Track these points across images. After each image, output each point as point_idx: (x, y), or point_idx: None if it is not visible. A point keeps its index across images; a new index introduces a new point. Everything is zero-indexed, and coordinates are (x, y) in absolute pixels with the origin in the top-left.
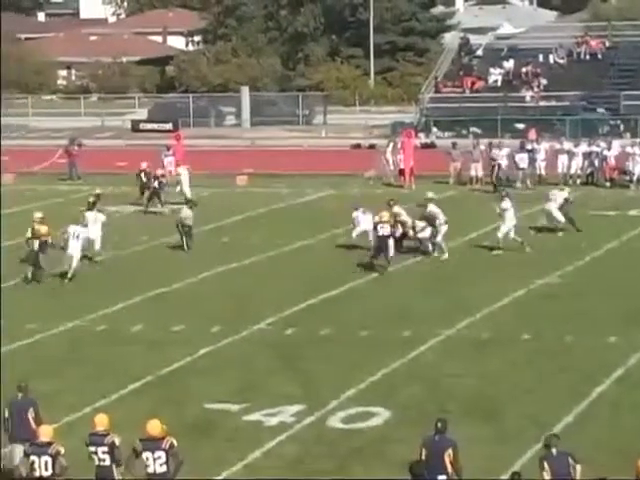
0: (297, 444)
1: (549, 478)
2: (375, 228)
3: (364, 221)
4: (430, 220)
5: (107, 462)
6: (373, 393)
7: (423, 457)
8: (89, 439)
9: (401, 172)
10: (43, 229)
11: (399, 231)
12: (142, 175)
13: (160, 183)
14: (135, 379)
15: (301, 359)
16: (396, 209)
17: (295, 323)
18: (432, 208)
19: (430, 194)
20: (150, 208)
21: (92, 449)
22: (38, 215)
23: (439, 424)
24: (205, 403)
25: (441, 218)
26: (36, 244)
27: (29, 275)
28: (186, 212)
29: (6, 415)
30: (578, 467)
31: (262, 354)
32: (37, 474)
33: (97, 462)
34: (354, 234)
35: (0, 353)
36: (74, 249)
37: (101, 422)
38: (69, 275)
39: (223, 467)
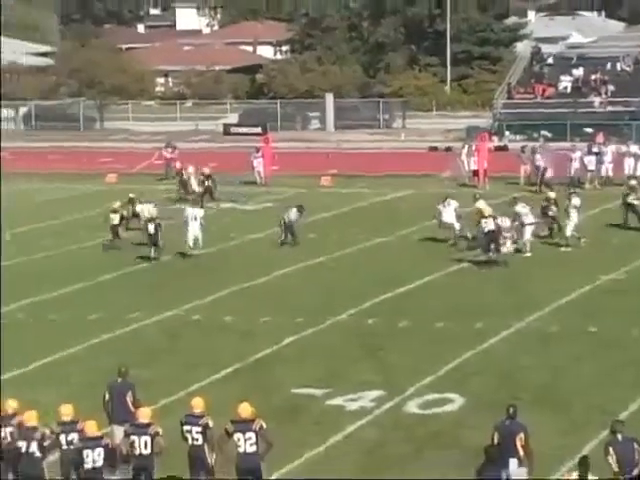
0: (376, 428)
1: (614, 462)
2: (479, 224)
3: (446, 213)
4: (514, 219)
5: (200, 441)
6: (448, 381)
7: (496, 441)
8: (185, 419)
9: (475, 173)
10: (152, 211)
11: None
12: (183, 175)
13: (212, 181)
14: (226, 366)
15: (380, 348)
16: (480, 204)
17: (375, 314)
18: (519, 208)
19: (516, 194)
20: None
21: (187, 428)
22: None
23: (510, 409)
24: (291, 389)
25: (525, 219)
26: (151, 227)
27: (153, 254)
28: (293, 212)
29: (106, 398)
30: None
31: (344, 343)
32: (137, 452)
33: (190, 441)
34: (439, 224)
35: (0, 350)
36: (194, 229)
37: (197, 404)
38: (194, 252)
39: (306, 449)
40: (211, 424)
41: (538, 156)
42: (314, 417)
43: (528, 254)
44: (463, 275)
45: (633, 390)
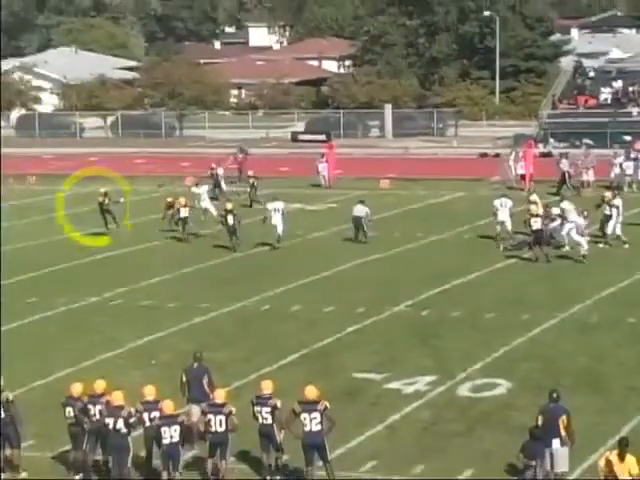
0: (430, 409)
1: None
2: (528, 223)
3: (501, 211)
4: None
5: (269, 421)
6: (497, 367)
7: (540, 423)
8: (255, 400)
9: (522, 177)
10: (229, 205)
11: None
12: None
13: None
14: (293, 352)
15: (434, 337)
16: (533, 197)
17: (429, 306)
18: (565, 205)
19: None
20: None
21: (257, 409)
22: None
23: (554, 394)
24: (352, 373)
25: (571, 217)
26: (230, 218)
27: (235, 245)
28: (359, 208)
29: (183, 380)
30: None
31: (401, 332)
32: (212, 430)
33: (260, 420)
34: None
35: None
36: (278, 221)
37: (267, 386)
38: (277, 244)
39: (366, 428)
40: (279, 405)
41: (564, 161)
42: (373, 399)
43: (567, 248)
44: (511, 270)
45: None
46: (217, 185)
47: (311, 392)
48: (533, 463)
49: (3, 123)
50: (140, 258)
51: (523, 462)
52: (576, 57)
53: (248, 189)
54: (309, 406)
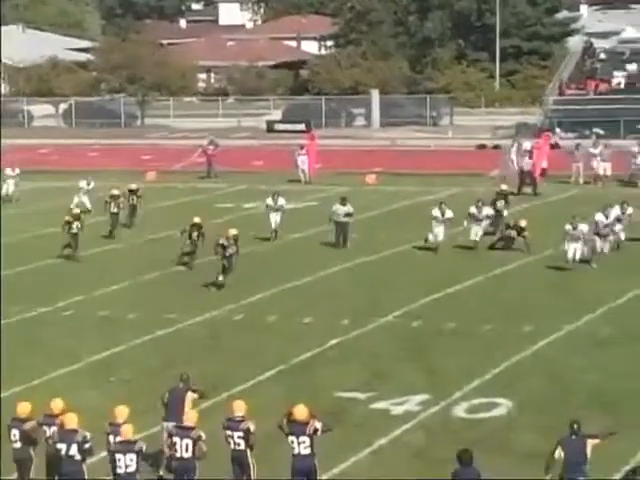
0: (422, 433)
1: None
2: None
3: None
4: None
5: (241, 446)
6: (496, 384)
7: (557, 456)
8: (226, 423)
9: (536, 172)
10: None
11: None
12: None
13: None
14: (269, 368)
15: (426, 351)
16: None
17: (421, 316)
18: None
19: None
20: None
21: (228, 433)
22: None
23: (575, 425)
24: (335, 391)
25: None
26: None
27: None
28: (341, 209)
29: (165, 401)
30: None
31: (389, 345)
32: (177, 455)
33: (232, 446)
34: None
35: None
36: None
37: (239, 408)
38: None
39: (350, 453)
40: (252, 428)
41: (576, 152)
42: (358, 420)
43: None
44: (511, 277)
45: None
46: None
47: (301, 412)
48: None
49: None
50: (97, 263)
51: None
52: (585, 37)
53: None
54: (298, 428)
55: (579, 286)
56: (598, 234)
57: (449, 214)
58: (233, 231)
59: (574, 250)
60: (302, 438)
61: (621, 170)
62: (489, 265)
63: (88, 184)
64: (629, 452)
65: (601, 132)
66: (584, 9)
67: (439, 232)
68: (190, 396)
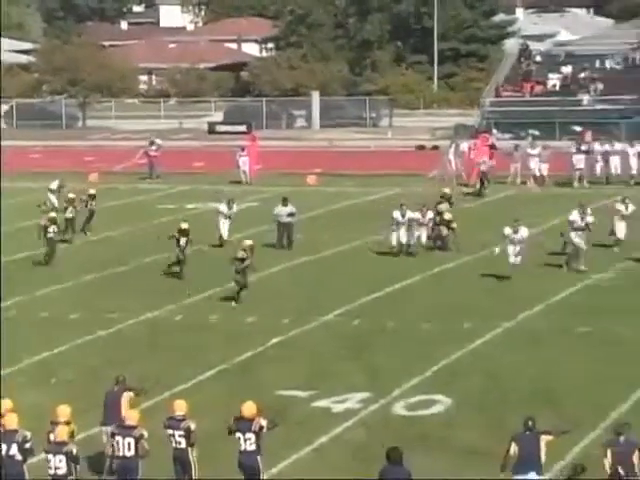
0: (363, 430)
1: (608, 465)
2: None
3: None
4: None
5: (183, 445)
6: (435, 382)
7: (512, 452)
8: (167, 422)
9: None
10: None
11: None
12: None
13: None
14: (211, 367)
15: (367, 349)
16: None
17: (361, 315)
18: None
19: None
20: None
21: (169, 432)
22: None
23: (529, 422)
24: (276, 390)
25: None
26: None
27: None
28: (283, 210)
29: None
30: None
31: (330, 344)
32: (120, 454)
33: (174, 444)
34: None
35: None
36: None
37: (180, 407)
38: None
39: (292, 450)
40: (193, 427)
41: (516, 154)
42: (299, 419)
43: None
44: (450, 275)
45: (624, 388)
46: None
47: (248, 409)
48: None
49: None
50: (39, 264)
51: None
52: (521, 39)
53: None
54: (244, 424)
55: (516, 284)
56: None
57: (410, 215)
58: (248, 242)
59: (515, 254)
60: (248, 435)
61: (557, 171)
62: (428, 265)
63: (57, 185)
64: (565, 448)
65: (537, 133)
66: (520, 12)
67: (401, 234)
68: (127, 395)
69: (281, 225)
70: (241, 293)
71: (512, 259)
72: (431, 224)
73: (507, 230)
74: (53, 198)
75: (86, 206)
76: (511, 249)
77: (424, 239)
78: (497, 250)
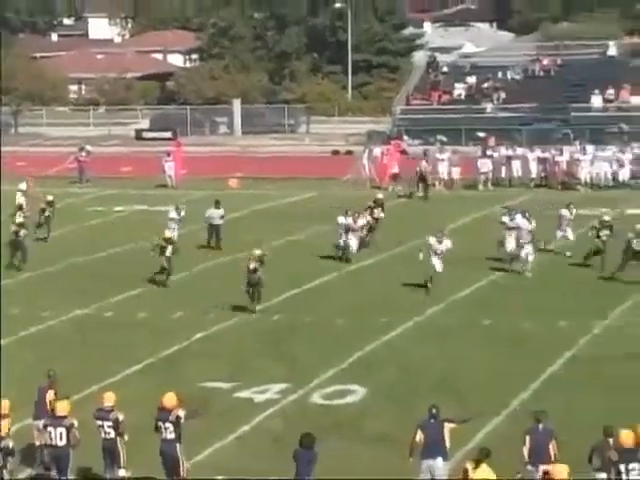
0: (282, 419)
1: (526, 452)
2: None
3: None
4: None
5: (112, 435)
6: (351, 373)
7: (418, 439)
8: (96, 414)
9: (392, 175)
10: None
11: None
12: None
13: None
14: (138, 361)
15: (286, 343)
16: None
17: (281, 311)
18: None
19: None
20: None
21: (99, 423)
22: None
23: (433, 409)
24: (200, 382)
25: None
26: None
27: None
28: (215, 212)
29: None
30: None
31: (251, 339)
32: (52, 443)
33: (103, 435)
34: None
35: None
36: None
37: (108, 399)
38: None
39: (215, 439)
40: (121, 418)
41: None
42: (222, 409)
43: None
44: (365, 273)
45: (524, 379)
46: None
47: (168, 400)
48: None
49: None
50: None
51: None
52: (429, 52)
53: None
54: (164, 414)
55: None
56: (525, 242)
57: (361, 222)
58: (257, 251)
59: (437, 264)
60: (167, 424)
61: (464, 174)
62: (345, 263)
63: (26, 186)
64: (469, 434)
65: (444, 139)
66: (428, 26)
67: (351, 242)
68: (49, 394)
69: (212, 227)
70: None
71: (438, 267)
72: (365, 231)
73: (432, 240)
74: (22, 199)
75: (43, 213)
76: (435, 259)
77: (355, 246)
78: (421, 256)
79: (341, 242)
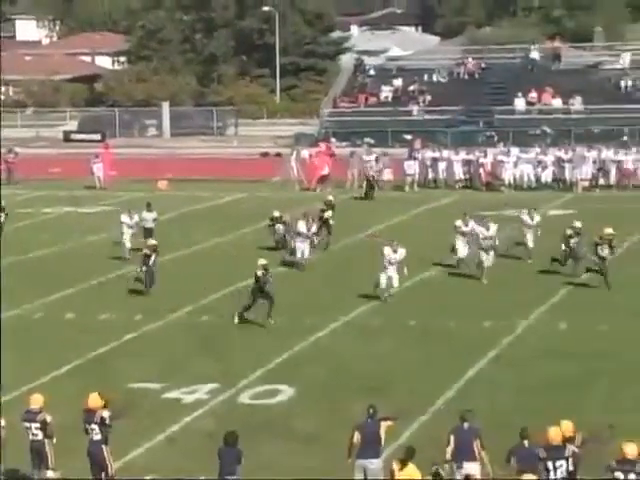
0: (211, 419)
1: (450, 450)
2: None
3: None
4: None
5: (39, 437)
6: (279, 373)
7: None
8: (24, 416)
9: (321, 177)
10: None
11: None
12: None
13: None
14: (66, 362)
15: (215, 343)
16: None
17: (210, 311)
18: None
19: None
20: None
21: (26, 425)
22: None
23: (370, 409)
24: (129, 383)
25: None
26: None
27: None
28: (148, 216)
29: None
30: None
31: (180, 339)
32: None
33: (31, 437)
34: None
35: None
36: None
37: (36, 401)
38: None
39: (144, 440)
40: (49, 419)
41: (352, 161)
42: (151, 409)
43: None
44: (295, 274)
45: (449, 378)
46: None
47: (93, 401)
48: None
49: None
50: None
51: None
52: (356, 55)
53: None
54: (89, 416)
55: (353, 281)
56: (481, 248)
57: (315, 229)
58: (263, 261)
59: (390, 278)
60: (92, 425)
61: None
62: (275, 263)
63: None
64: (396, 433)
65: (372, 141)
66: (355, 29)
67: (305, 249)
68: None
69: (145, 230)
70: (271, 308)
71: (395, 282)
72: (315, 237)
73: (387, 250)
74: None
75: None
76: (391, 269)
77: (307, 254)
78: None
79: (299, 257)
